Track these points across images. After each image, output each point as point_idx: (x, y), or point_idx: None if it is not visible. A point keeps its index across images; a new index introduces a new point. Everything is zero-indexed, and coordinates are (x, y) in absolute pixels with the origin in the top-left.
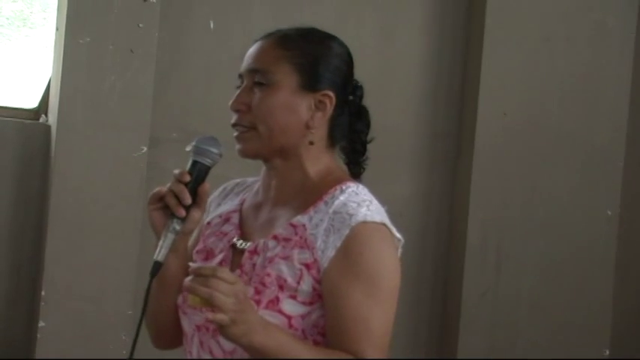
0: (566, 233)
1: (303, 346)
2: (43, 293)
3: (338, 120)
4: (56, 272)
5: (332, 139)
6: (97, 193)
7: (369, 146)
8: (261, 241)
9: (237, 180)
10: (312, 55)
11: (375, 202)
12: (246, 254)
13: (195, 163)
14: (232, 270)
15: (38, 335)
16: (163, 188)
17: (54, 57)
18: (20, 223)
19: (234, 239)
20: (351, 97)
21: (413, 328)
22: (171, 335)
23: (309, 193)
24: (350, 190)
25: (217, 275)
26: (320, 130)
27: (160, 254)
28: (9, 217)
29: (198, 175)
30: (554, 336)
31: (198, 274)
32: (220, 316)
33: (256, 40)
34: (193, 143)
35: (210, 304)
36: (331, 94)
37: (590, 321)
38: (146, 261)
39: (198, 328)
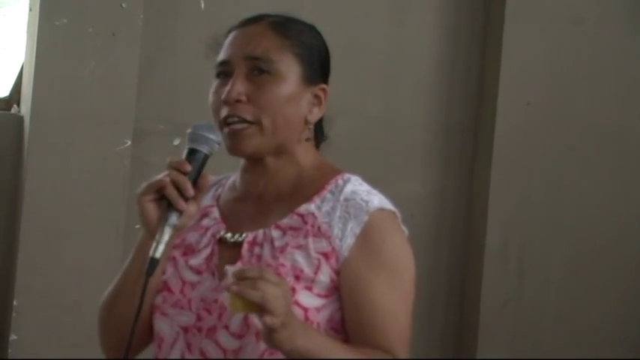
0: (595, 236)
1: (341, 347)
2: (14, 303)
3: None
4: (29, 279)
5: (317, 135)
6: (75, 191)
7: (377, 141)
8: (261, 231)
9: None
10: (309, 46)
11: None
12: (246, 245)
13: (192, 151)
14: (225, 263)
15: (9, 349)
16: (163, 178)
17: (27, 40)
18: None
19: (222, 232)
20: None
21: (426, 340)
22: (138, 340)
23: (307, 185)
24: (353, 179)
25: (265, 277)
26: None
27: (157, 250)
28: None
29: (197, 164)
30: (581, 348)
31: (244, 277)
32: (274, 320)
33: (237, 26)
34: (190, 130)
35: (255, 308)
36: (326, 87)
37: (621, 333)
38: None
39: (185, 329)
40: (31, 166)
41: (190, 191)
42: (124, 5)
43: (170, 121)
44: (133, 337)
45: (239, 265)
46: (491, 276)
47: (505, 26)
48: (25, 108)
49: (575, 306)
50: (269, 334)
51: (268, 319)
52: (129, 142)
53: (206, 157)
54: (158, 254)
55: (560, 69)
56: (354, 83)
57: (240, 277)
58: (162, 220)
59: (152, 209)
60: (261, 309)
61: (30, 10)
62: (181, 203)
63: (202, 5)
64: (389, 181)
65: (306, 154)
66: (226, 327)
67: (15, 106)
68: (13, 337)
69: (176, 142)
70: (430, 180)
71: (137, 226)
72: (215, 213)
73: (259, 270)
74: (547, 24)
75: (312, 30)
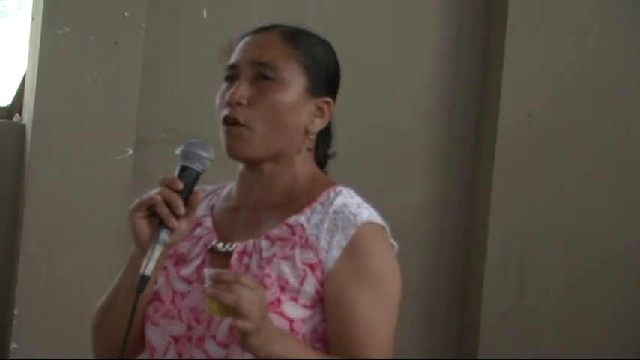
0: (595, 246)
1: (316, 354)
2: (15, 311)
3: (325, 129)
4: (30, 288)
5: (317, 147)
6: (77, 200)
7: (379, 149)
8: (250, 241)
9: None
10: (317, 59)
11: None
12: (235, 255)
13: (184, 168)
14: None
15: (10, 358)
16: (154, 196)
17: (29, 49)
18: None
19: (214, 242)
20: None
21: (426, 350)
22: (131, 349)
23: (300, 196)
24: (345, 192)
25: (240, 281)
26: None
27: (147, 268)
28: None
29: (189, 182)
30: (582, 358)
31: (220, 280)
32: (247, 324)
33: (250, 33)
34: (182, 147)
35: (230, 312)
36: (331, 101)
37: (622, 343)
38: None
39: (175, 339)
40: (32, 174)
41: (181, 209)
42: (126, 14)
43: (172, 130)
44: (125, 348)
45: (217, 269)
46: (492, 285)
47: (507, 36)
48: (27, 116)
49: (576, 316)
50: (243, 339)
51: (241, 322)
52: (131, 151)
53: (198, 175)
54: (148, 271)
55: (562, 80)
56: (356, 92)
57: (217, 280)
58: (154, 238)
59: (144, 226)
60: (236, 313)
61: (32, 19)
62: (172, 221)
63: (205, 14)
64: (390, 189)
65: (303, 165)
66: (213, 336)
67: (17, 114)
68: (14, 345)
69: (178, 151)
70: (431, 189)
71: None
72: (208, 222)
73: (235, 274)
74: (549, 35)
75: (324, 44)
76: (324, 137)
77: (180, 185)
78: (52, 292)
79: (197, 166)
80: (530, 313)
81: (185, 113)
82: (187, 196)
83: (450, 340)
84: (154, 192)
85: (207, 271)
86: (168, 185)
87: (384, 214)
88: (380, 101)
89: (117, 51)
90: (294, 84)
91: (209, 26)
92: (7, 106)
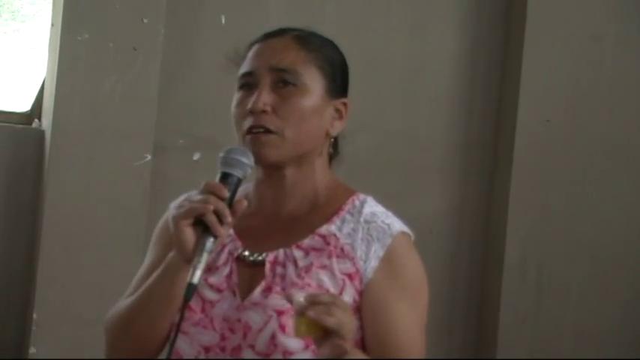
0: (614, 252)
1: None
2: (34, 316)
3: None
4: (50, 293)
5: (335, 150)
6: (96, 205)
7: (396, 155)
8: (281, 250)
9: None
10: (332, 60)
11: None
12: (268, 265)
13: (226, 175)
14: (246, 281)
15: None
16: (202, 205)
17: (49, 55)
18: (10, 239)
19: (239, 250)
20: None
21: (444, 355)
22: (149, 358)
23: (323, 204)
24: (369, 200)
25: (337, 303)
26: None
27: (195, 276)
28: None
29: (232, 189)
30: None
31: (318, 302)
32: (347, 345)
33: (260, 40)
34: (222, 154)
35: (318, 332)
36: (347, 102)
37: None
38: None
39: (206, 348)
40: (51, 180)
41: (229, 218)
42: (145, 20)
43: (190, 136)
44: (155, 357)
45: (304, 291)
46: (510, 291)
47: (525, 42)
48: (46, 122)
49: (594, 322)
50: (337, 358)
51: (344, 342)
52: (149, 157)
53: (239, 181)
54: (196, 280)
55: (580, 86)
56: (374, 98)
57: (314, 302)
58: (200, 246)
59: (190, 234)
60: (326, 333)
61: (52, 25)
62: (220, 230)
63: (223, 20)
64: (408, 196)
65: (323, 170)
66: (252, 346)
67: (36, 120)
68: (32, 350)
69: (196, 156)
70: (449, 195)
71: None
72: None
73: (332, 296)
74: (567, 41)
75: (332, 44)
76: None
77: (227, 193)
78: (70, 297)
79: (239, 173)
80: (548, 319)
81: (203, 119)
82: (231, 202)
83: (468, 346)
84: (198, 199)
85: (295, 293)
86: (214, 192)
87: (401, 220)
88: (398, 107)
89: (136, 57)
90: (314, 88)
91: (228, 32)
92: (26, 112)
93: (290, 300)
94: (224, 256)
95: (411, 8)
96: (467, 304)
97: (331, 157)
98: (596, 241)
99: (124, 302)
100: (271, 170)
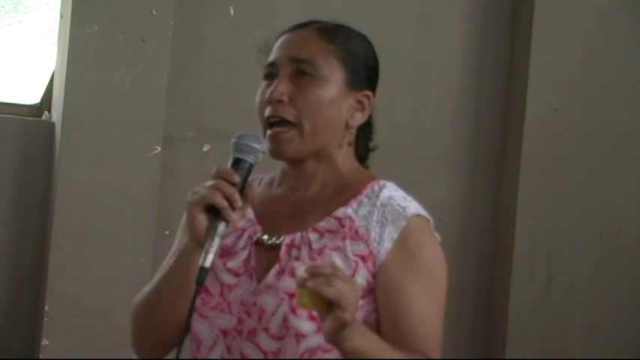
0: (623, 241)
1: (389, 347)
2: (46, 308)
3: (366, 122)
4: (61, 285)
5: (358, 141)
6: (106, 197)
7: (405, 146)
8: (298, 233)
9: None
10: (355, 53)
11: None
12: (284, 248)
13: (238, 160)
14: (263, 265)
15: (41, 354)
16: (213, 190)
17: (58, 48)
18: (21, 231)
19: (259, 234)
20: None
21: (454, 345)
22: (170, 343)
23: (344, 189)
24: (389, 185)
25: (338, 274)
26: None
27: (207, 260)
28: (9, 223)
29: (244, 174)
30: (610, 355)
31: (318, 274)
32: (347, 316)
33: (286, 31)
34: (234, 140)
35: (321, 305)
36: (370, 94)
37: None
38: None
39: (224, 332)
40: (62, 172)
41: (239, 203)
42: (154, 12)
43: (200, 127)
44: (176, 342)
45: (308, 262)
46: (520, 281)
47: (533, 32)
48: (56, 114)
49: (604, 312)
50: (338, 331)
51: (342, 314)
52: (159, 149)
53: (251, 167)
54: (207, 263)
55: (588, 75)
56: (383, 89)
57: (314, 274)
58: (212, 230)
59: (202, 219)
60: (329, 306)
61: (61, 17)
62: (231, 215)
63: (232, 12)
64: (417, 186)
65: (346, 159)
66: (266, 329)
67: (46, 112)
68: (44, 342)
69: (205, 148)
70: (458, 185)
71: (167, 232)
72: (250, 214)
73: (332, 267)
74: (575, 30)
75: (361, 38)
76: (365, 131)
77: (238, 178)
78: (82, 288)
79: (250, 158)
80: (557, 309)
81: (213, 110)
82: (242, 188)
83: (478, 336)
84: (209, 184)
85: (298, 265)
86: (224, 178)
87: (421, 205)
88: (406, 97)
89: (145, 49)
90: (333, 79)
91: (236, 23)
92: (36, 104)
93: (294, 274)
94: (243, 240)
95: (419, 0)
96: (476, 294)
97: (367, 151)
98: (605, 229)
99: (145, 289)
100: (292, 163)
